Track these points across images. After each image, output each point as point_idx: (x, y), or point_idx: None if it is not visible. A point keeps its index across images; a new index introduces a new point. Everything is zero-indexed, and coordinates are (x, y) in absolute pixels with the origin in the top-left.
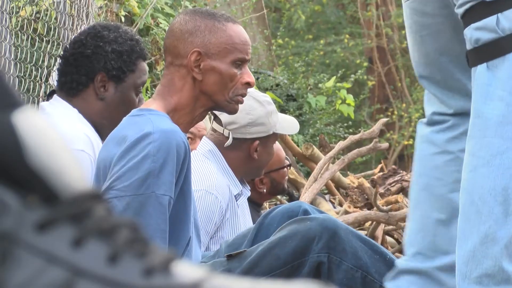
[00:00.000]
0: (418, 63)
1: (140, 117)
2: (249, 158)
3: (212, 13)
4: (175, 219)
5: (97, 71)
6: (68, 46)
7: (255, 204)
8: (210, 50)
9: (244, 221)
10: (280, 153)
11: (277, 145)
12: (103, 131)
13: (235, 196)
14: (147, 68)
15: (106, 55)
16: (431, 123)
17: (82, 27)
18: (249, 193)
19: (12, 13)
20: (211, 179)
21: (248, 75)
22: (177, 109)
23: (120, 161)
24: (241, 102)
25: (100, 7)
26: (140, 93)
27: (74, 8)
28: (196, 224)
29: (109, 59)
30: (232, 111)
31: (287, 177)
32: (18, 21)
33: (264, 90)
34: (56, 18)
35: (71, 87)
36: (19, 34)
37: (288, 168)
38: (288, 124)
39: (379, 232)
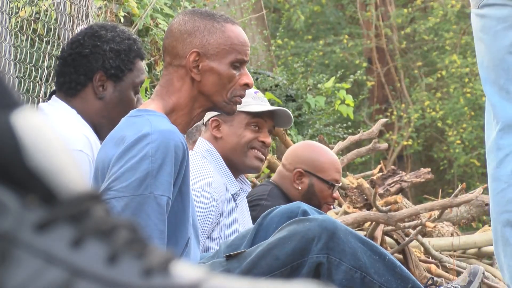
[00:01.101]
0: (486, 67)
1: (138, 117)
2: (213, 137)
3: (211, 14)
4: (174, 219)
5: (96, 70)
6: (65, 46)
7: (289, 200)
8: (208, 51)
9: (243, 220)
10: (333, 168)
11: (335, 162)
12: (102, 130)
13: (232, 195)
14: (145, 67)
15: (104, 54)
16: None
17: (81, 28)
18: (249, 188)
19: (12, 14)
20: (207, 177)
21: (246, 76)
22: (175, 109)
23: (118, 162)
24: (239, 103)
25: (100, 8)
26: (138, 93)
27: (74, 8)
28: (195, 225)
29: (107, 58)
30: (230, 112)
31: (329, 206)
32: (18, 22)
33: (263, 90)
34: (55, 19)
35: (69, 87)
36: (19, 35)
37: (332, 190)
38: (263, 104)
39: (378, 232)
